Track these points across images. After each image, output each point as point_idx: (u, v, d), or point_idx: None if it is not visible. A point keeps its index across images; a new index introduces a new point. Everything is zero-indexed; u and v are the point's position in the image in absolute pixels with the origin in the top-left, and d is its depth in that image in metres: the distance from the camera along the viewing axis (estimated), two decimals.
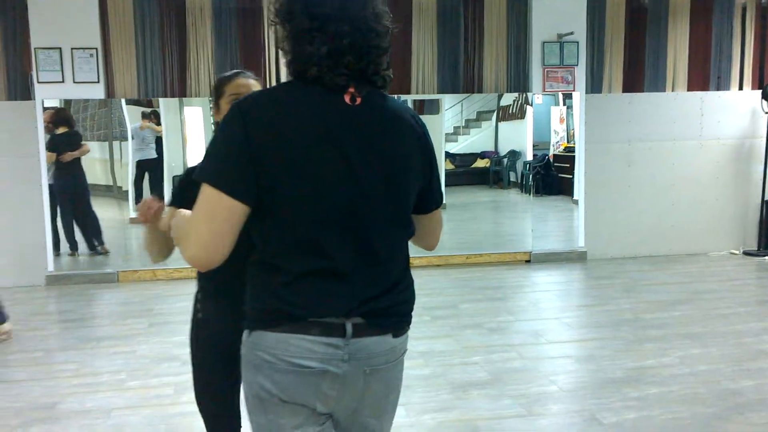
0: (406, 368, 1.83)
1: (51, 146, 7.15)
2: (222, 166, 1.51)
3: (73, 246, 7.45)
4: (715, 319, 5.41)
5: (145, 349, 4.93)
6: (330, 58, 1.53)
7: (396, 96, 7.13)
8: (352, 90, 1.57)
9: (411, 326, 1.73)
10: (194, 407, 3.87)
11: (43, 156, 6.94)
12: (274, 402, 1.57)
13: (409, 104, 7.56)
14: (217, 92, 2.29)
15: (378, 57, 1.59)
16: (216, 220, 1.49)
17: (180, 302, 6.25)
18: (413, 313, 1.73)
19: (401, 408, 2.89)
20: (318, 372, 1.55)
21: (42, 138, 6.94)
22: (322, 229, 1.54)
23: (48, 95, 6.96)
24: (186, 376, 4.37)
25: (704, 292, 6.27)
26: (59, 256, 7.24)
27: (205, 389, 2.41)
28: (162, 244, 2.26)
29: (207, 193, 1.50)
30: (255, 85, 2.27)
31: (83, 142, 7.34)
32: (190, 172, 2.26)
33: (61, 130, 7.15)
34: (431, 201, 1.75)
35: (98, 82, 6.95)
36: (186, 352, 4.95)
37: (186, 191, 1.92)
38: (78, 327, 5.55)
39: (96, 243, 7.53)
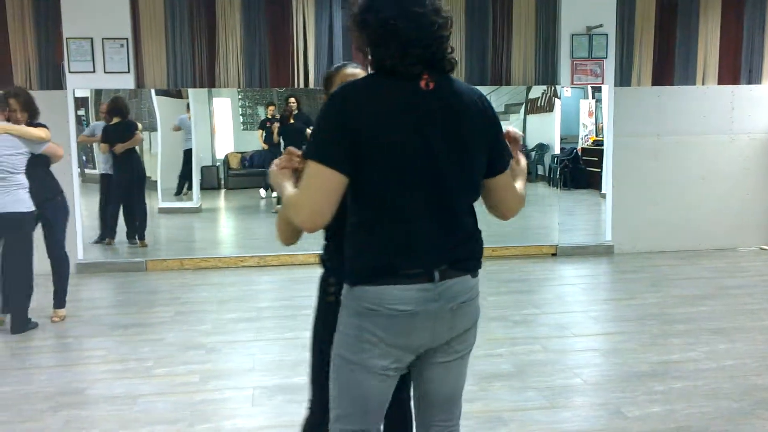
0: None
1: (104, 137, 7.33)
2: (325, 145, 1.81)
3: (111, 235, 7.54)
4: (742, 315, 5.35)
5: (172, 337, 4.99)
6: (401, 52, 1.81)
7: None
8: (426, 77, 1.84)
9: None
10: (219, 395, 3.94)
11: (74, 145, 7.02)
12: (373, 342, 1.87)
13: None
14: (327, 83, 2.41)
15: (441, 45, 1.86)
16: (323, 188, 1.79)
17: (206, 291, 6.33)
18: None
19: None
20: (413, 313, 1.85)
21: (73, 127, 7.03)
22: (407, 196, 1.84)
23: (79, 85, 7.05)
24: (210, 364, 4.43)
25: (732, 288, 6.20)
26: (90, 245, 7.34)
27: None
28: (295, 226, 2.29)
29: (314, 168, 1.80)
30: (360, 74, 2.31)
31: (137, 131, 7.47)
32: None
33: (115, 121, 7.28)
34: (498, 164, 1.99)
35: (128, 72, 7.03)
36: (211, 341, 5.01)
37: None
38: (107, 314, 5.64)
39: (137, 237, 7.62)
